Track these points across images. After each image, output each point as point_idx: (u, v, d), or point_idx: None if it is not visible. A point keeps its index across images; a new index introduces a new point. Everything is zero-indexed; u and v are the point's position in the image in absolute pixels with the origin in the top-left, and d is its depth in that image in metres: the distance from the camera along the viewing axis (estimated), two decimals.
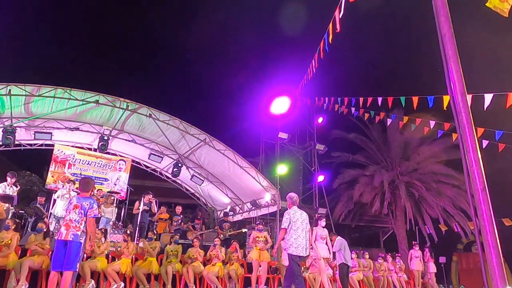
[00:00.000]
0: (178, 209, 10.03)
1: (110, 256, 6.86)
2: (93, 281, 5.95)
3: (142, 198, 9.03)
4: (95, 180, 10.99)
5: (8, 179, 7.14)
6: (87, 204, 4.23)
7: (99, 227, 7.35)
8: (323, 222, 7.21)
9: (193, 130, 11.04)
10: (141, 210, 8.81)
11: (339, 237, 8.20)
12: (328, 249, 6.95)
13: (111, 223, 8.59)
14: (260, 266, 7.27)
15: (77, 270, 4.18)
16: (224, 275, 7.40)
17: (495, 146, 7.08)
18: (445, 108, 6.07)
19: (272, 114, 13.52)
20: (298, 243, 4.75)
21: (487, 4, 2.77)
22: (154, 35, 31.62)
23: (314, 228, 6.96)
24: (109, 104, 9.74)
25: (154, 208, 9.08)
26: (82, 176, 10.35)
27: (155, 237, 7.33)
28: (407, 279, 10.78)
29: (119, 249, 6.78)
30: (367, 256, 9.79)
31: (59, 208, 7.91)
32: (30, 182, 13.08)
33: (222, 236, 9.23)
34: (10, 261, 5.36)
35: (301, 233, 4.81)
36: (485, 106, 5.64)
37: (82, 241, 4.12)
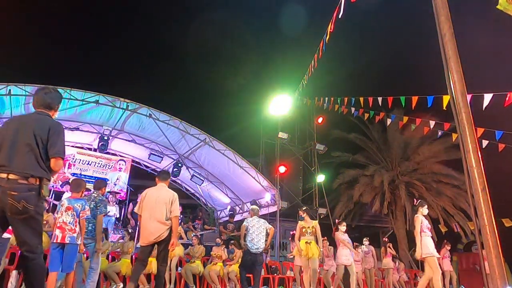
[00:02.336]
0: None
1: (110, 256, 6.87)
2: None
3: (137, 198, 9.09)
4: (95, 181, 11.10)
5: None
6: (79, 206, 4.22)
7: None
8: (425, 210, 5.72)
9: (193, 130, 11.04)
10: (133, 209, 8.87)
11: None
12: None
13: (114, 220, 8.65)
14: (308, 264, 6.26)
15: (74, 269, 4.21)
16: (224, 275, 7.42)
17: (495, 146, 7.08)
18: (444, 108, 6.07)
19: (272, 114, 13.50)
20: (251, 244, 5.91)
21: (498, 7, 2.77)
22: (154, 35, 31.62)
23: (416, 215, 5.65)
24: (109, 104, 9.74)
25: None
26: (82, 176, 10.38)
27: None
28: (407, 279, 10.76)
29: (118, 249, 6.78)
30: (366, 243, 9.55)
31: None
32: None
33: (225, 236, 9.26)
34: None
35: (255, 237, 5.94)
36: (484, 106, 5.65)
37: (79, 242, 4.12)
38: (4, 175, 2.40)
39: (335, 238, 7.40)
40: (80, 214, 4.18)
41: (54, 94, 2.86)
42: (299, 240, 6.40)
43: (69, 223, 4.06)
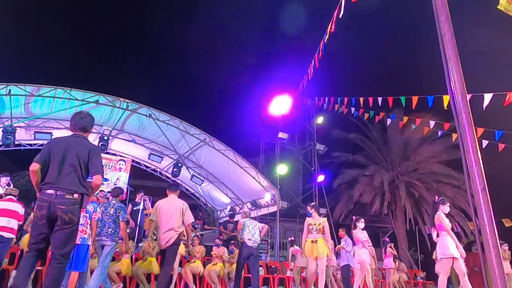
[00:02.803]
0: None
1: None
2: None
3: (135, 198, 9.09)
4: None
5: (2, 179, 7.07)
6: (91, 208, 4.47)
7: None
8: (446, 208, 5.45)
9: (193, 130, 11.04)
10: (132, 209, 8.86)
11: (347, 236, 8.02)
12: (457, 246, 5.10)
13: None
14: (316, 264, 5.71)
15: (86, 270, 4.48)
16: (224, 275, 7.42)
17: (495, 146, 7.08)
18: (445, 108, 6.07)
19: (272, 114, 13.52)
20: (248, 239, 6.22)
21: (498, 7, 2.76)
22: (154, 35, 31.62)
23: (438, 213, 5.34)
24: (109, 104, 9.74)
25: (148, 205, 9.12)
26: None
27: (154, 237, 7.33)
28: (407, 279, 10.75)
29: (117, 249, 6.77)
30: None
31: None
32: (30, 182, 13.06)
33: (225, 236, 9.25)
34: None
35: (251, 234, 6.25)
36: (484, 106, 5.64)
37: (90, 243, 4.36)
38: (52, 192, 2.86)
39: (353, 236, 6.98)
40: (92, 216, 4.44)
41: (89, 118, 3.32)
42: (307, 238, 5.91)
43: (81, 224, 4.18)
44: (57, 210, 2.81)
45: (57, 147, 3.04)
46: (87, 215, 4.38)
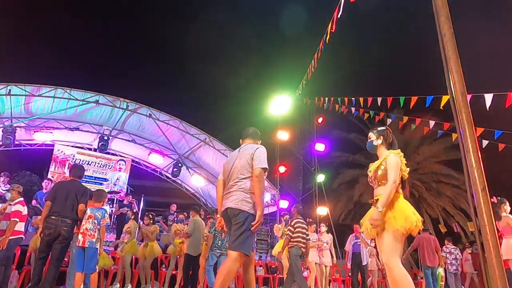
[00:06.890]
0: (173, 207, 9.97)
1: (110, 255, 6.87)
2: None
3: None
4: (95, 180, 11.11)
5: (1, 178, 7.11)
6: (100, 215, 4.76)
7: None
8: (508, 207, 4.68)
9: (193, 130, 11.05)
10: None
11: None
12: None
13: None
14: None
15: (97, 270, 4.77)
16: None
17: (495, 146, 7.07)
18: (441, 107, 6.07)
19: (272, 114, 13.49)
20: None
21: None
22: (154, 35, 31.61)
23: (505, 215, 4.48)
24: (109, 104, 9.75)
25: (135, 208, 9.20)
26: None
27: (151, 221, 7.23)
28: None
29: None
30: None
31: None
32: (30, 182, 13.05)
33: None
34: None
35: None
36: (487, 106, 5.63)
37: (98, 246, 4.68)
38: (60, 218, 4.47)
39: (502, 225, 4.72)
40: (101, 222, 4.72)
41: (82, 169, 5.18)
42: None
43: (89, 229, 4.65)
44: (62, 231, 4.39)
45: (63, 188, 4.64)
46: (96, 221, 4.67)
